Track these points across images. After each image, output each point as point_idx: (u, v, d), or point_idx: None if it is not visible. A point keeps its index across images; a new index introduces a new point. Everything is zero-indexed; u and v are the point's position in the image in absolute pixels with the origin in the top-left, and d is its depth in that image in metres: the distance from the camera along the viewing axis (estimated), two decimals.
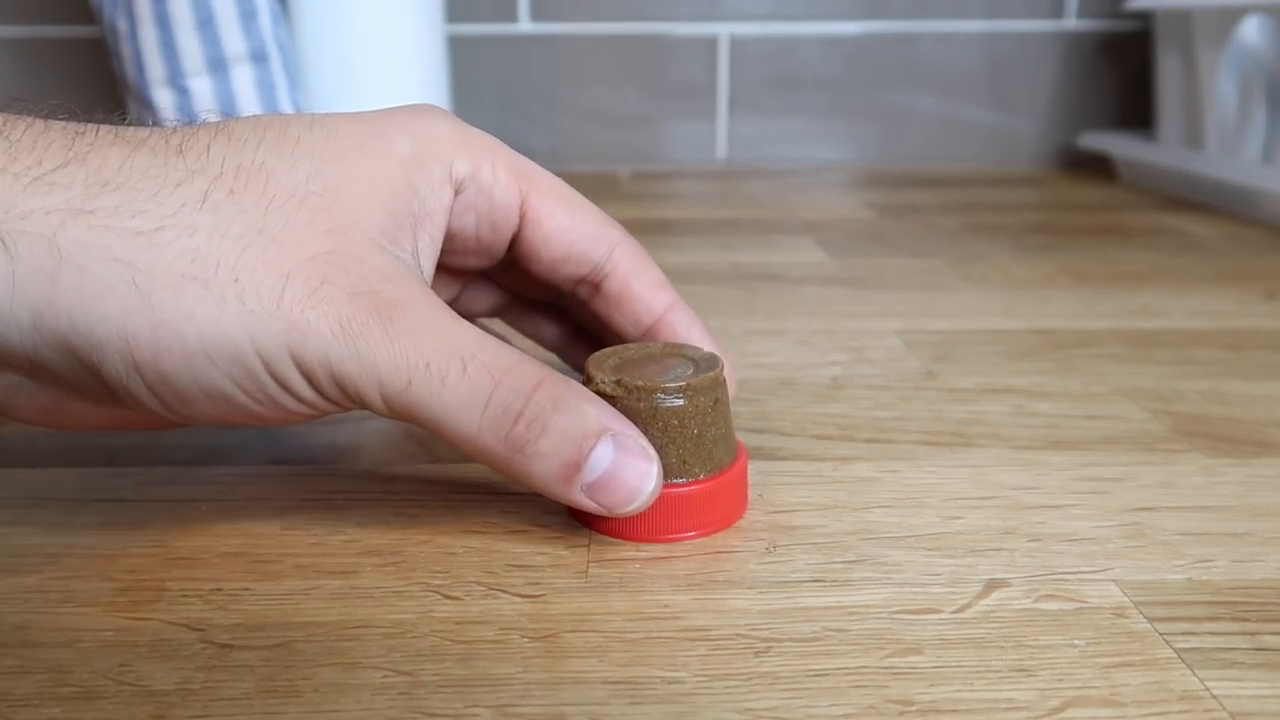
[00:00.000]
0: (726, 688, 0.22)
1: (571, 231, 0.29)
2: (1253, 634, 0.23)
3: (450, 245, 0.29)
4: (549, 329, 0.35)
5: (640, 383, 0.27)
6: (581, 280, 0.30)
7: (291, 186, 0.23)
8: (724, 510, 0.28)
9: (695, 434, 0.27)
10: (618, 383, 0.27)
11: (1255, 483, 0.31)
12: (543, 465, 0.23)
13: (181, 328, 0.21)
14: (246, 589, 0.25)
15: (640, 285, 0.31)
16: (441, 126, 0.27)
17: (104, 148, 0.22)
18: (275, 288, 0.21)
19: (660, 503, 0.27)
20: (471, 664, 0.22)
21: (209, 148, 0.23)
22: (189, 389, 0.22)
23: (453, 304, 0.32)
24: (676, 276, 0.58)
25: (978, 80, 1.01)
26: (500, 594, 0.25)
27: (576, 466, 0.23)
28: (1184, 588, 0.25)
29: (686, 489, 0.27)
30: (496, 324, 0.36)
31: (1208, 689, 0.21)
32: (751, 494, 0.30)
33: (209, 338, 0.21)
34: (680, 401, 0.27)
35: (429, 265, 0.26)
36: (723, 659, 0.22)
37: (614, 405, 0.27)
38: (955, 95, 1.01)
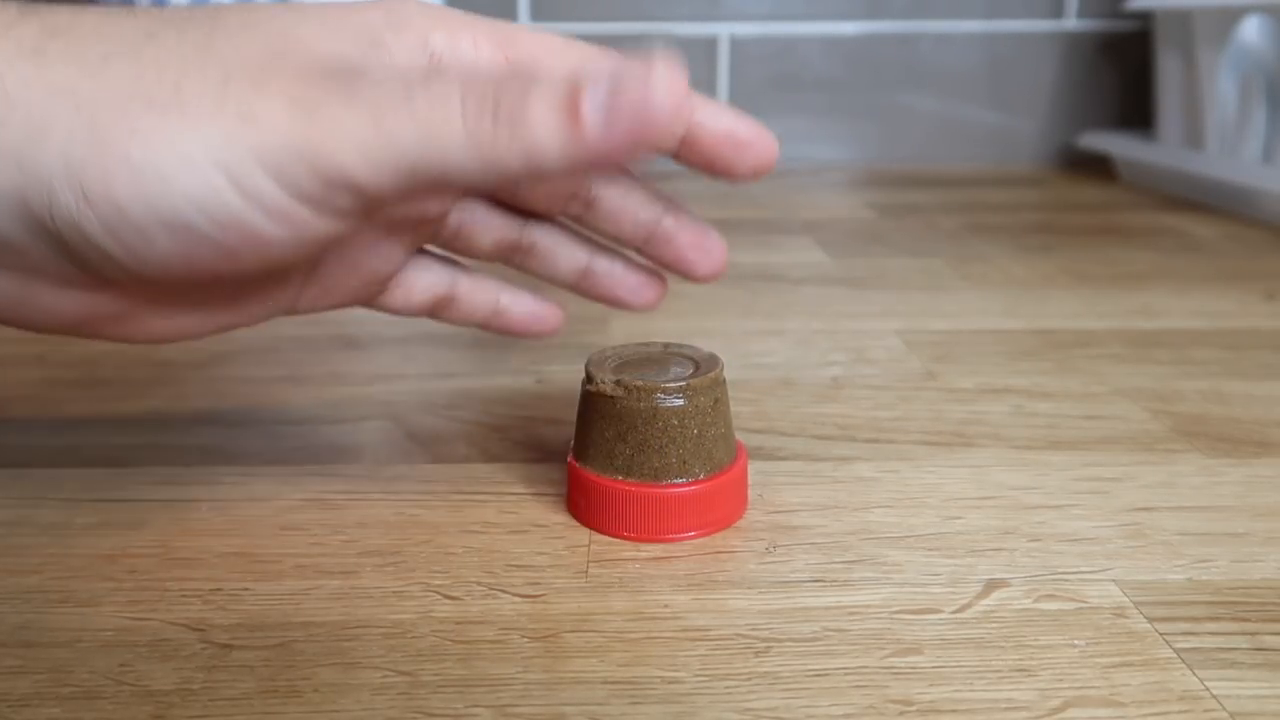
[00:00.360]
0: (726, 688, 0.22)
1: None
2: (1253, 634, 0.23)
3: None
4: (564, 254, 0.30)
5: (640, 383, 0.27)
6: (572, 198, 0.28)
7: (242, 22, 0.22)
8: (724, 510, 0.28)
9: (695, 434, 0.27)
10: (618, 383, 0.27)
11: (1255, 483, 0.31)
12: (545, 128, 0.20)
13: (126, 146, 0.20)
14: (246, 589, 0.25)
15: (626, 198, 0.29)
16: (413, 4, 0.25)
17: (57, 11, 0.22)
18: (217, 86, 0.20)
19: (660, 503, 0.27)
20: (471, 664, 0.22)
21: (164, 5, 0.23)
22: (145, 220, 0.20)
23: (447, 230, 0.29)
24: (677, 276, 0.58)
25: (978, 80, 1.01)
26: (500, 594, 0.25)
27: (576, 96, 0.20)
28: (1184, 588, 0.25)
29: (686, 489, 0.27)
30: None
31: (1208, 689, 0.21)
32: (751, 494, 0.30)
33: (155, 149, 0.20)
34: (680, 401, 0.27)
35: None
36: (723, 659, 0.22)
37: (614, 405, 0.27)
38: (955, 95, 1.01)
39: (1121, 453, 0.33)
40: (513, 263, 0.30)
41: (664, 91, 0.20)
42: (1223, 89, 0.77)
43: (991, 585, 0.25)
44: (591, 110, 0.20)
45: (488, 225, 0.29)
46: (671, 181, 0.98)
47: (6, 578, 0.26)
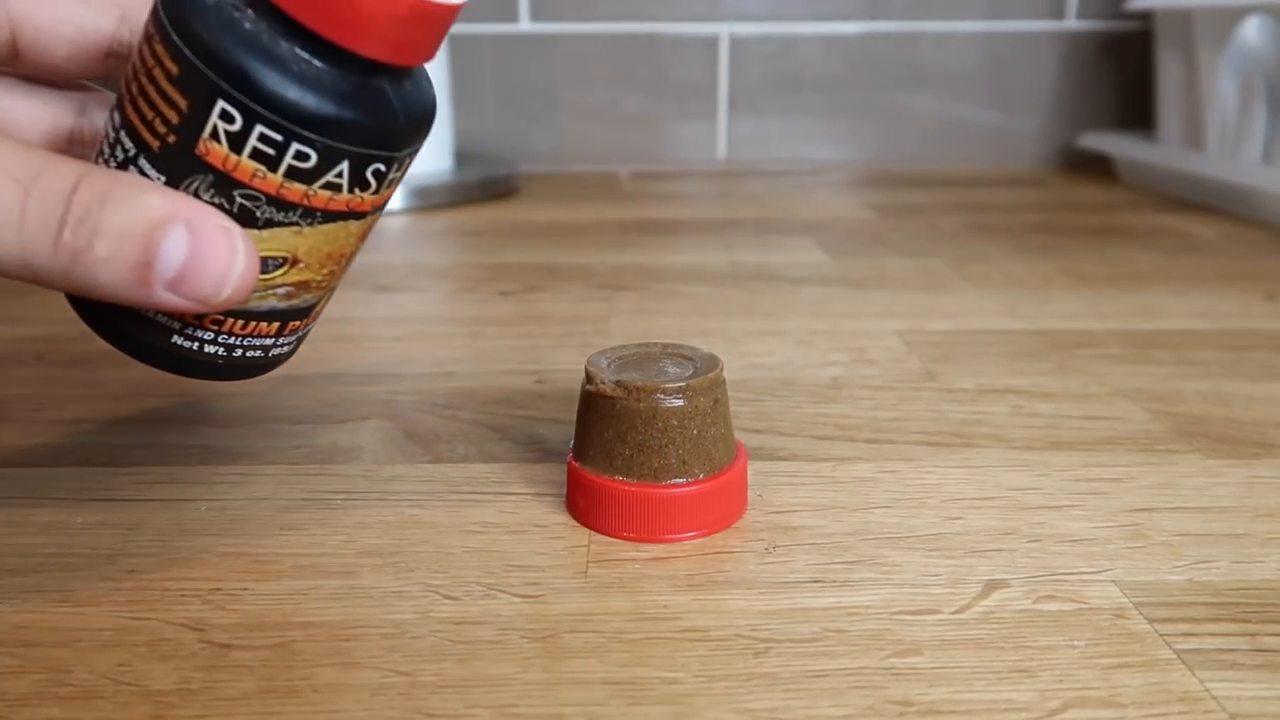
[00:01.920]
0: (726, 688, 0.21)
1: (58, 8, 0.24)
2: (1253, 635, 0.23)
3: None
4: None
5: (640, 383, 0.27)
6: (109, 56, 0.25)
7: None
8: (724, 510, 0.28)
9: (695, 434, 0.27)
10: (618, 383, 0.27)
11: (1255, 483, 0.31)
12: (109, 273, 0.19)
13: None
14: (245, 589, 0.25)
15: None
16: None
17: None
18: None
19: (660, 503, 0.27)
20: (471, 664, 0.22)
21: None
22: None
23: None
24: (676, 276, 0.58)
25: (978, 80, 1.01)
26: (500, 594, 0.25)
27: (148, 265, 0.19)
28: (1184, 588, 0.25)
29: (686, 489, 0.27)
30: None
31: (1207, 690, 0.21)
32: (751, 494, 0.30)
33: None
34: (680, 401, 0.27)
35: None
36: (722, 659, 0.22)
37: (613, 405, 0.27)
38: (955, 95, 1.01)
39: (1121, 453, 0.33)
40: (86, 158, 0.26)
41: (240, 276, 0.19)
42: (1223, 89, 0.77)
43: (991, 586, 0.25)
44: (163, 273, 0.19)
45: (30, 114, 0.26)
46: (672, 181, 0.97)
47: (6, 578, 0.26)
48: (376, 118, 0.20)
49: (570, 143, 1.00)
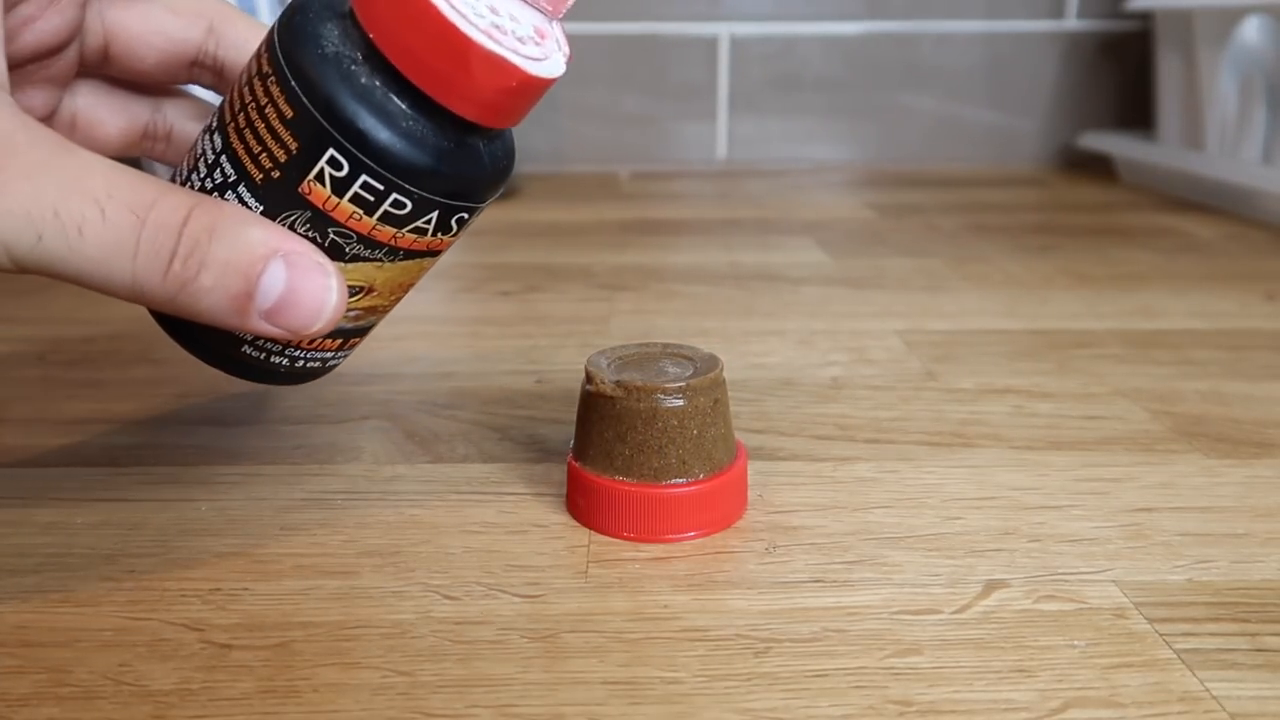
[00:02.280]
0: (726, 688, 0.22)
1: (150, 20, 0.25)
2: (1253, 635, 0.23)
3: (19, 48, 0.24)
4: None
5: (640, 383, 0.27)
6: (194, 65, 0.26)
7: None
8: (724, 510, 0.28)
9: (695, 434, 0.27)
10: (618, 383, 0.27)
11: (1255, 483, 0.31)
12: (211, 301, 0.20)
13: None
14: (246, 589, 0.25)
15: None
16: None
17: None
18: None
19: (660, 503, 0.27)
20: (471, 664, 0.22)
21: None
22: None
23: (60, 124, 0.27)
24: (676, 276, 0.58)
25: (978, 80, 1.01)
26: (500, 594, 0.25)
27: (248, 296, 0.20)
28: (1184, 588, 0.25)
29: (686, 489, 0.27)
30: None
31: (1208, 690, 0.21)
32: (751, 494, 0.30)
33: None
34: (680, 401, 0.27)
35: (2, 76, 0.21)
36: (722, 659, 0.22)
37: (613, 405, 0.27)
38: (955, 95, 1.01)
39: (1121, 453, 0.33)
40: (154, 154, 0.28)
41: (331, 312, 0.21)
42: (1223, 89, 0.77)
43: (991, 586, 0.25)
44: (261, 303, 0.20)
45: (110, 110, 0.27)
46: (673, 180, 0.98)
47: (6, 578, 0.26)
48: (471, 174, 0.21)
49: (570, 143, 1.00)
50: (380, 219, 0.21)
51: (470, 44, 0.19)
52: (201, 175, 0.21)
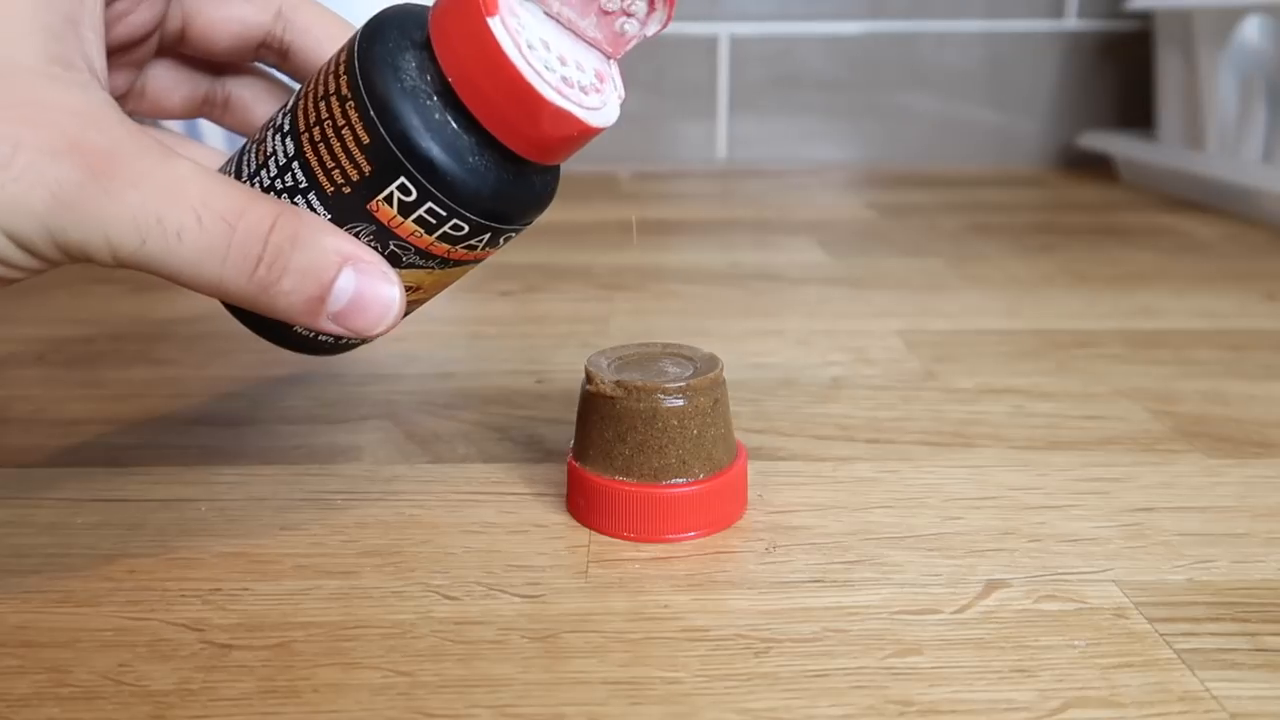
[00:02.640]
0: (726, 688, 0.21)
1: (226, 7, 0.27)
2: (1253, 634, 0.23)
3: (111, 39, 0.25)
4: (262, 109, 0.30)
5: (640, 383, 0.27)
6: (261, 47, 0.28)
7: None
8: (724, 510, 0.28)
9: (695, 434, 0.27)
10: (618, 383, 0.27)
11: (1255, 483, 0.31)
12: (288, 302, 0.22)
13: None
14: (246, 589, 0.25)
15: (326, 46, 0.28)
16: None
17: None
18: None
19: (660, 503, 0.27)
20: (471, 664, 0.22)
21: None
22: None
23: (132, 95, 0.28)
24: (676, 276, 0.58)
25: (978, 80, 1.01)
26: (500, 594, 0.25)
27: (321, 300, 0.22)
28: (1184, 588, 0.25)
29: (686, 489, 0.27)
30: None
31: (1208, 690, 0.21)
32: (751, 494, 0.30)
33: None
34: (680, 401, 0.27)
35: (101, 65, 0.22)
36: (723, 659, 0.22)
37: (613, 405, 0.27)
38: (955, 95, 1.01)
39: (1122, 453, 0.33)
40: (211, 117, 0.30)
41: (394, 319, 0.24)
42: (1223, 89, 0.77)
43: (991, 586, 0.25)
44: (331, 306, 0.22)
45: (176, 81, 0.29)
46: (673, 180, 0.97)
47: (6, 578, 0.26)
48: (525, 204, 0.23)
49: None
50: (439, 237, 0.23)
51: (543, 102, 0.20)
52: (272, 175, 0.23)
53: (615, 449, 0.27)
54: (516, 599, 0.25)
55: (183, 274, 0.21)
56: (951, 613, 0.24)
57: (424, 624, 0.24)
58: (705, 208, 0.79)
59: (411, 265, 0.23)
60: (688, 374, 0.28)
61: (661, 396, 0.27)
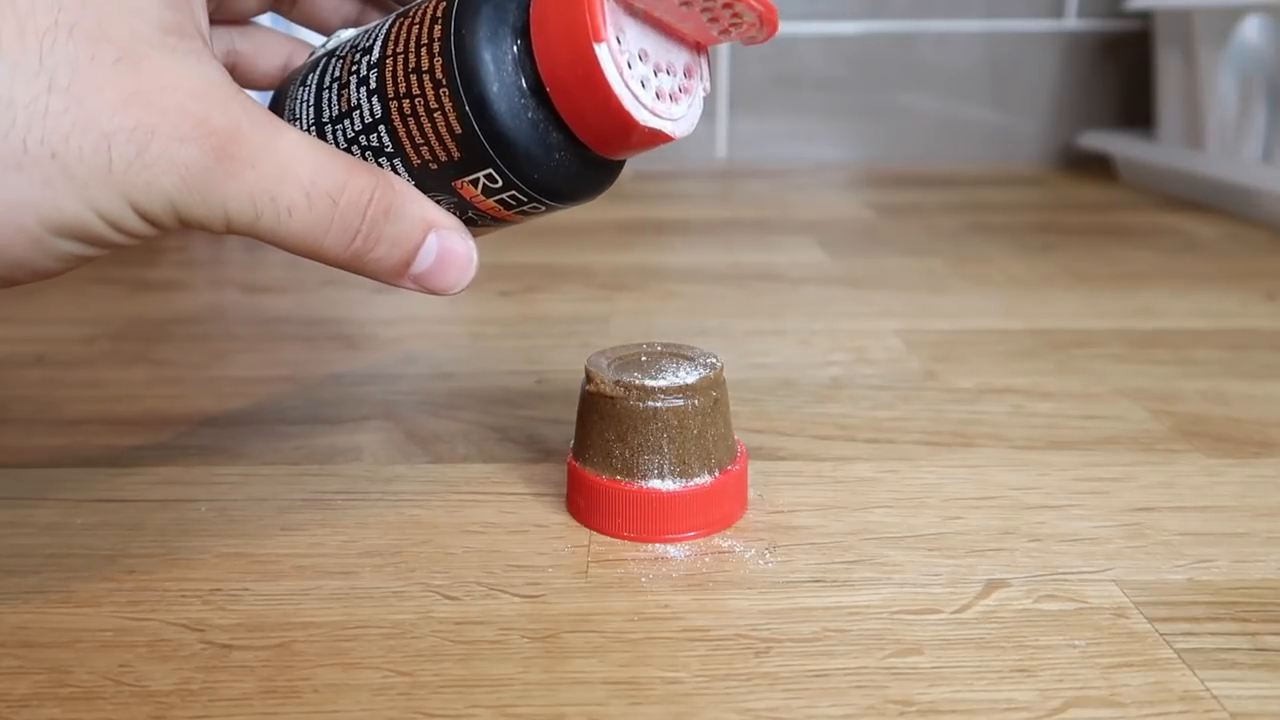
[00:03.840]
0: (726, 688, 0.21)
1: None
2: (1253, 634, 0.23)
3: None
4: (331, 5, 0.31)
5: (640, 383, 0.27)
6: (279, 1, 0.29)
7: (42, 6, 0.21)
8: (724, 510, 0.28)
9: (695, 434, 0.27)
10: (617, 383, 0.27)
11: (1255, 483, 0.31)
12: (378, 267, 0.24)
13: (20, 219, 0.21)
14: (246, 589, 0.25)
15: None
16: None
17: None
18: (100, 153, 0.21)
19: (660, 503, 0.27)
20: (471, 664, 0.22)
21: None
22: (40, 263, 0.22)
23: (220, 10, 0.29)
24: (677, 276, 0.58)
25: (978, 80, 1.01)
26: (500, 594, 0.25)
27: (407, 265, 0.24)
28: (1184, 588, 0.25)
29: (686, 489, 0.27)
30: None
31: (1208, 689, 0.21)
32: (751, 494, 0.30)
33: (51, 220, 0.21)
34: (680, 401, 0.27)
35: (207, 27, 0.24)
36: (723, 659, 0.22)
37: (613, 405, 0.27)
38: (955, 95, 1.01)
39: (1122, 453, 0.33)
40: (279, 10, 0.31)
41: (469, 279, 0.25)
42: (1223, 89, 0.77)
43: (992, 585, 0.25)
44: (416, 269, 0.24)
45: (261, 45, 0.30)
46: (674, 180, 0.97)
47: (6, 578, 0.26)
48: (590, 191, 0.24)
49: None
50: (514, 210, 0.24)
51: (636, 125, 0.21)
52: (357, 129, 0.23)
53: (615, 449, 0.27)
54: (516, 599, 0.25)
55: (289, 244, 0.23)
56: (951, 612, 0.24)
57: (424, 624, 0.24)
58: (705, 208, 0.79)
59: (479, 225, 0.25)
60: (688, 374, 0.28)
61: (661, 396, 0.27)
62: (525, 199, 0.23)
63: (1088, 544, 0.27)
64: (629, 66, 0.21)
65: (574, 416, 0.29)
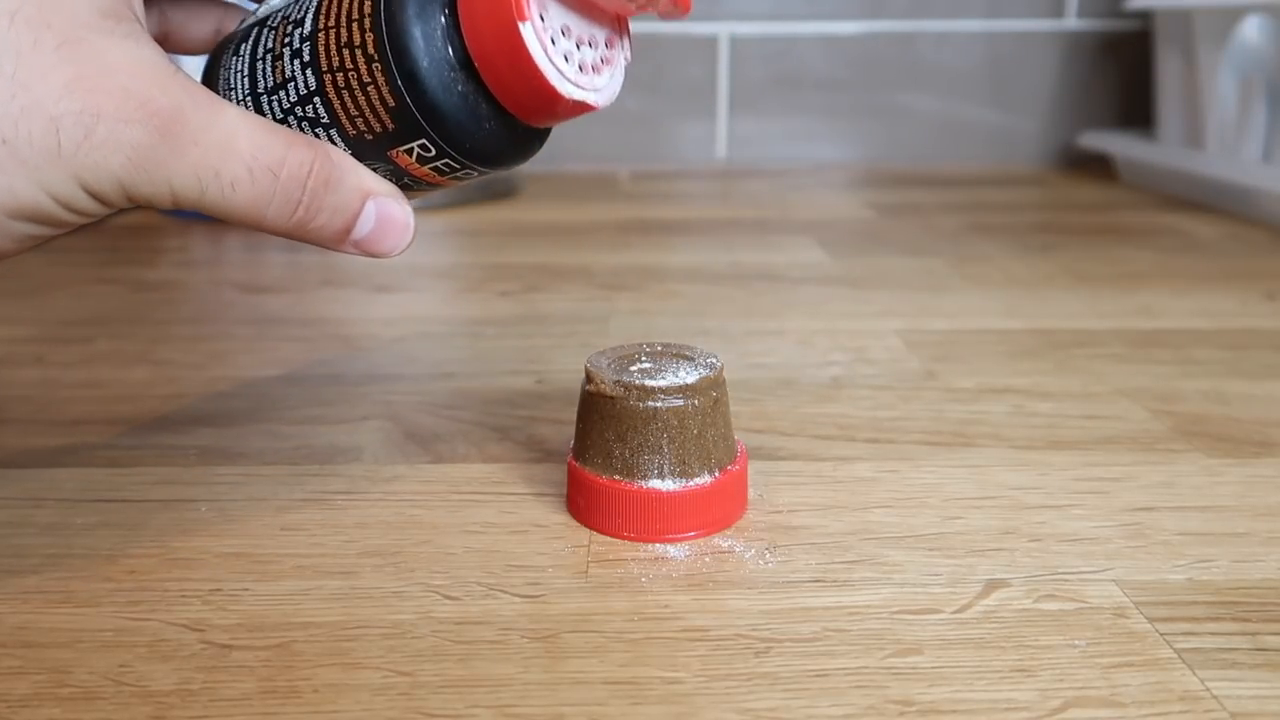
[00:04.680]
0: (726, 688, 0.21)
1: None
2: (1253, 634, 0.23)
3: None
4: None
5: (640, 383, 0.27)
6: None
7: None
8: (724, 510, 0.28)
9: (695, 434, 0.27)
10: (617, 383, 0.27)
11: (1255, 483, 0.31)
12: (319, 235, 0.25)
13: None
14: (246, 589, 0.25)
15: None
16: None
17: None
18: (48, 136, 0.21)
19: (660, 503, 0.27)
20: (471, 664, 0.22)
21: None
22: None
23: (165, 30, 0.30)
24: (676, 276, 0.58)
25: (978, 80, 1.01)
26: (500, 594, 0.25)
27: (347, 232, 0.25)
28: (1184, 588, 0.25)
29: (686, 489, 0.27)
30: None
31: (1208, 689, 0.21)
32: (751, 494, 0.30)
33: (6, 204, 0.22)
34: (680, 401, 0.27)
35: (140, 9, 0.24)
36: (723, 659, 0.22)
37: (613, 405, 0.27)
38: (955, 95, 1.01)
39: (1122, 453, 0.33)
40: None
41: (408, 243, 0.26)
42: (1223, 89, 0.77)
43: (992, 585, 0.25)
44: (356, 235, 0.25)
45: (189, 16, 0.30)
46: (674, 180, 0.98)
47: (6, 578, 0.26)
48: (520, 157, 0.25)
49: (570, 142, 1.00)
50: (448, 177, 0.25)
51: (561, 99, 0.22)
52: (292, 101, 0.24)
53: (615, 449, 0.27)
54: (516, 599, 0.25)
55: (233, 217, 0.23)
56: (951, 612, 0.24)
57: (424, 624, 0.24)
58: (705, 208, 0.79)
59: (419, 190, 0.26)
60: (688, 374, 0.28)
61: (662, 396, 0.27)
62: (459, 166, 0.24)
63: (1088, 544, 0.27)
64: (553, 43, 0.22)
65: (574, 416, 0.29)
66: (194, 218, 0.74)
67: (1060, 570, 0.26)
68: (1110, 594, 0.25)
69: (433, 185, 0.26)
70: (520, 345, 0.45)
